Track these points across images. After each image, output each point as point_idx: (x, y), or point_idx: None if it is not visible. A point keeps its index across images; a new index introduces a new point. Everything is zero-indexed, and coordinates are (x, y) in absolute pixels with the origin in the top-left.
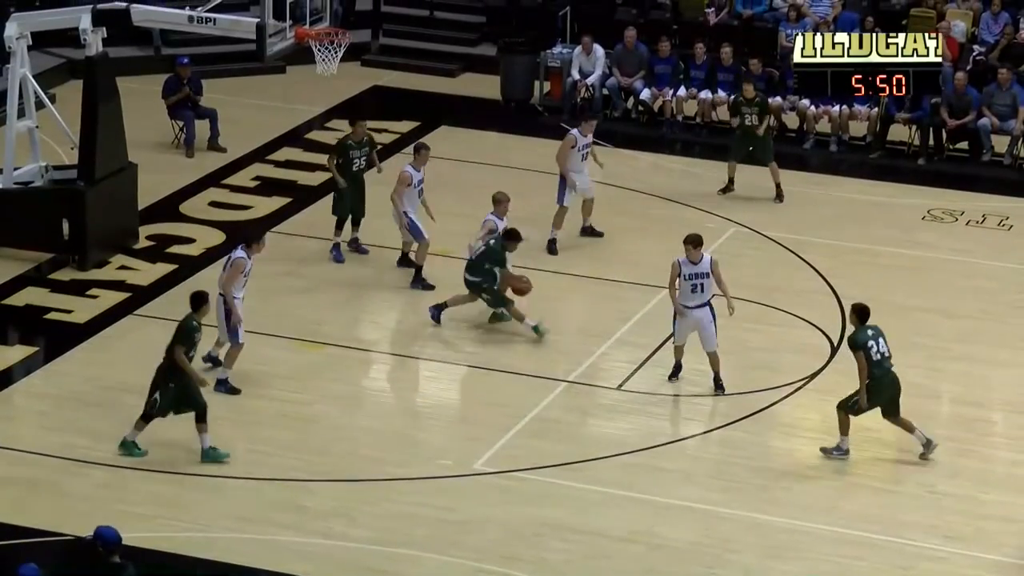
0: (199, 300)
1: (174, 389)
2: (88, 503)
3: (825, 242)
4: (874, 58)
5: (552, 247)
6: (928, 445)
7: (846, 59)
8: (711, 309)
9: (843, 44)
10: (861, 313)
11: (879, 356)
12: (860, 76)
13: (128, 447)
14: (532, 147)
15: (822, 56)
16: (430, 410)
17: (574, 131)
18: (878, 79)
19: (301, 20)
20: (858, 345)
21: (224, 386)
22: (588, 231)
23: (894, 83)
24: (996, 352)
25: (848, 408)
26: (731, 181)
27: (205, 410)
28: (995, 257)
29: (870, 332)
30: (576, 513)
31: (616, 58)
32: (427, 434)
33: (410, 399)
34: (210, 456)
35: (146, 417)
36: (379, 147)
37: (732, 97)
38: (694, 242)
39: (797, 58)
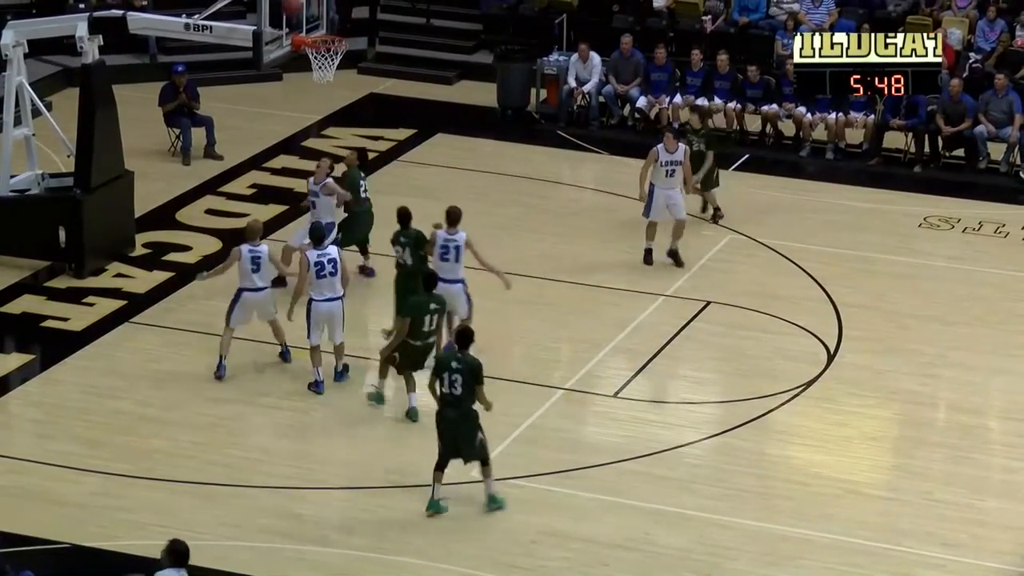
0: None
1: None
2: (82, 511)
3: (821, 249)
4: (872, 58)
5: (648, 257)
6: None
7: (845, 59)
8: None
9: (841, 44)
10: None
11: None
12: (858, 76)
13: (496, 501)
14: (528, 155)
15: (820, 56)
16: (427, 418)
17: (658, 146)
18: (876, 79)
19: (297, 28)
20: None
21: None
22: (672, 255)
23: (892, 83)
24: (993, 359)
25: None
26: (716, 209)
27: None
28: (991, 264)
29: None
30: (573, 521)
31: (612, 66)
32: (424, 442)
33: (407, 407)
34: (494, 502)
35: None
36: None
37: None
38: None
39: (796, 58)
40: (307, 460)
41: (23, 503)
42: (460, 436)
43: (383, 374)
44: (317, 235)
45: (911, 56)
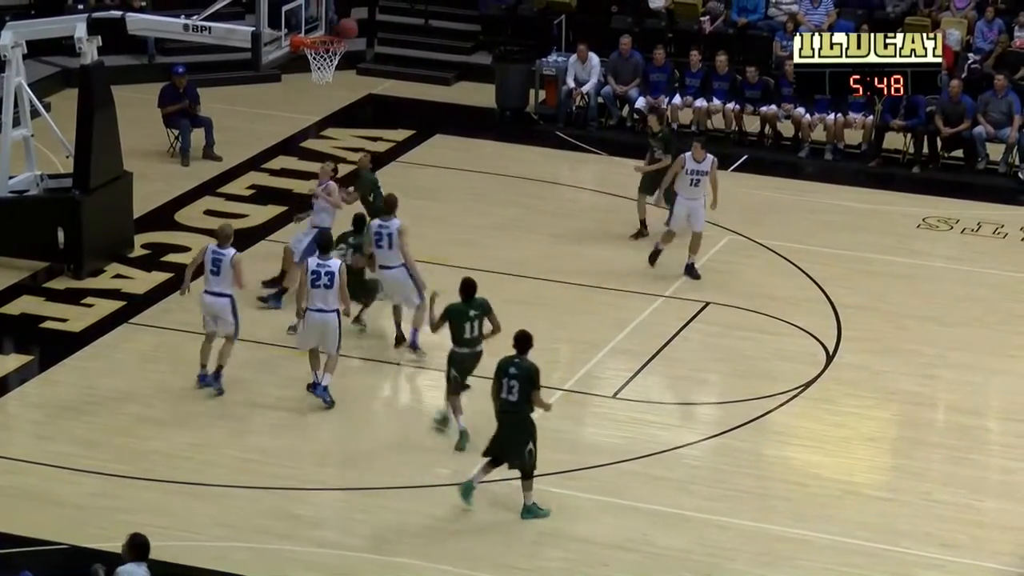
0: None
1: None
2: (81, 512)
3: (820, 250)
4: (872, 58)
5: (653, 258)
6: None
7: (844, 60)
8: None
9: (841, 45)
10: None
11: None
12: (858, 76)
13: (533, 511)
14: (527, 155)
15: (820, 57)
16: (426, 418)
17: (685, 154)
18: (876, 80)
19: (296, 29)
20: None
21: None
22: (689, 270)
23: (892, 83)
24: (991, 360)
25: None
26: (643, 223)
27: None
28: (990, 265)
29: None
30: (572, 521)
31: (611, 66)
32: (423, 442)
33: (405, 407)
34: (530, 512)
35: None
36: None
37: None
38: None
39: (795, 59)
40: (304, 461)
41: (21, 504)
42: (511, 441)
43: (449, 403)
44: (324, 243)
45: (910, 56)
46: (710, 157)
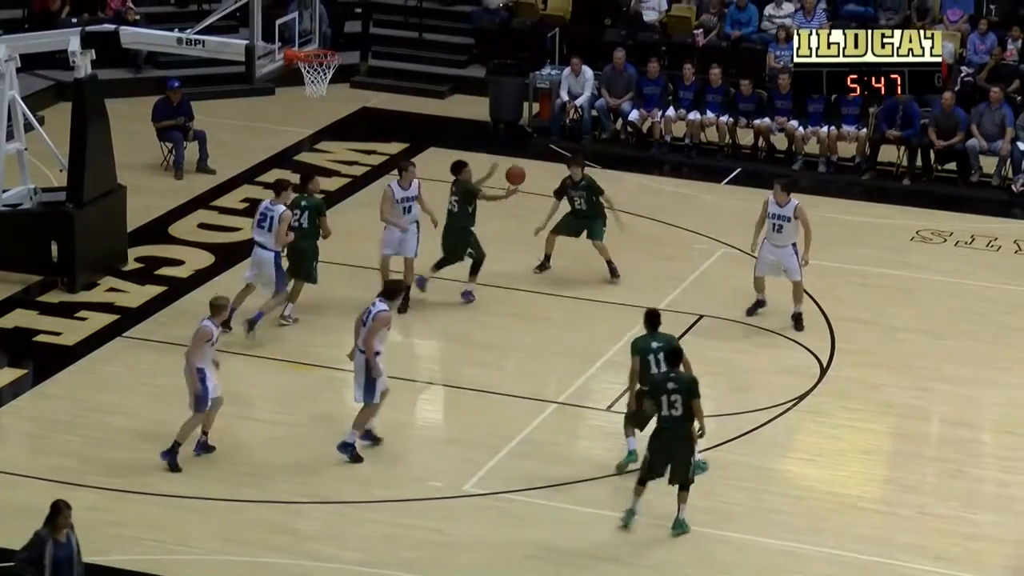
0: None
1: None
2: (76, 526)
3: (814, 263)
4: (869, 58)
5: (753, 309)
6: None
7: (841, 59)
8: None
9: (839, 44)
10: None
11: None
12: (855, 76)
13: (684, 525)
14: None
15: (817, 56)
16: (420, 431)
17: (768, 196)
18: (873, 79)
19: (290, 42)
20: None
21: (349, 450)
22: (795, 319)
23: (890, 83)
24: (985, 373)
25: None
26: (547, 258)
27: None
28: (984, 278)
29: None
30: (566, 534)
31: (605, 79)
32: (417, 456)
33: (400, 421)
34: (678, 527)
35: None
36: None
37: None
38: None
39: (793, 58)
40: (300, 474)
41: (15, 518)
42: (676, 456)
43: (629, 432)
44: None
45: (908, 56)
46: (794, 201)
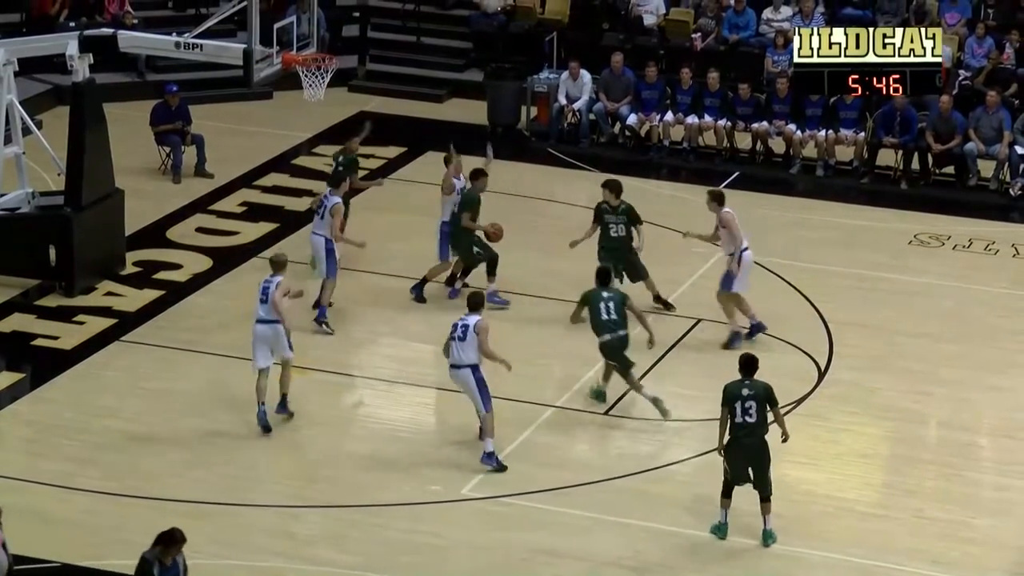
0: (750, 365)
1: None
2: (73, 530)
3: (812, 266)
4: (871, 58)
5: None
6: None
7: (843, 59)
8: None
9: (840, 44)
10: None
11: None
12: (856, 76)
13: (773, 535)
14: (519, 172)
15: (819, 56)
16: (418, 435)
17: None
18: (875, 79)
19: (288, 46)
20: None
21: (493, 460)
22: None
23: (891, 83)
24: (983, 376)
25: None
26: (657, 296)
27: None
28: (982, 281)
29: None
30: (565, 538)
31: (603, 83)
32: (415, 459)
33: (398, 424)
34: (768, 537)
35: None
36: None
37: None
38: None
39: (794, 58)
40: (298, 478)
41: (13, 522)
42: (758, 464)
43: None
44: (474, 302)
45: (909, 56)
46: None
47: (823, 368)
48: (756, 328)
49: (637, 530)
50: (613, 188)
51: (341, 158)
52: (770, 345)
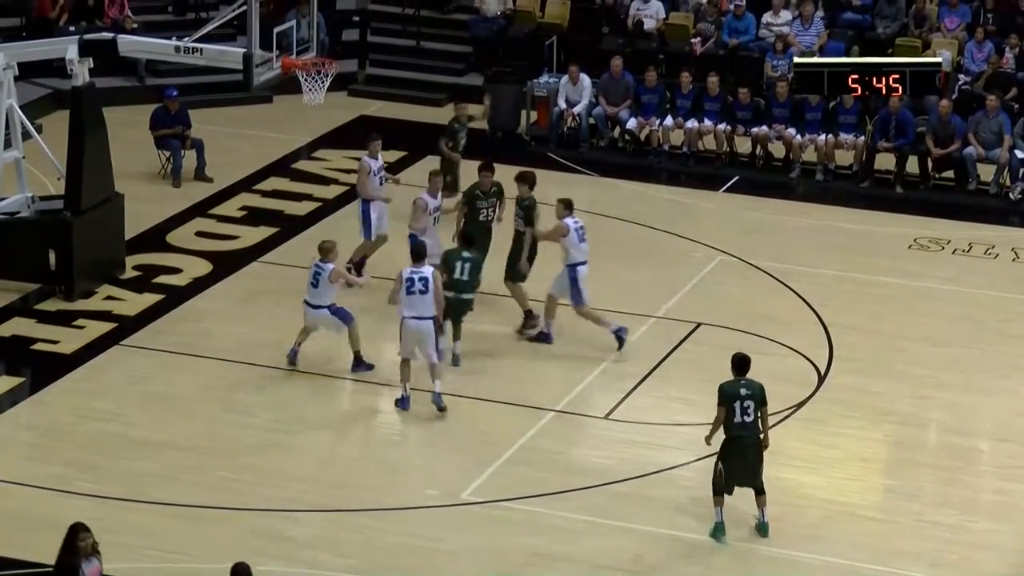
0: (745, 364)
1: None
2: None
3: (811, 271)
4: (871, 58)
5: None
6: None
7: (843, 59)
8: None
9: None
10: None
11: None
12: (856, 76)
13: (716, 529)
14: None
15: (819, 55)
16: (417, 439)
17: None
18: (875, 79)
19: (288, 50)
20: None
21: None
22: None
23: (891, 83)
24: (983, 380)
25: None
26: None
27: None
28: (982, 286)
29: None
30: (564, 542)
31: (603, 87)
32: (414, 464)
33: (397, 428)
34: (763, 530)
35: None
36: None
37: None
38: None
39: (796, 58)
40: (298, 482)
41: (13, 526)
42: (754, 463)
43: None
44: (417, 252)
45: (910, 56)
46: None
47: (823, 372)
48: (543, 337)
49: (637, 534)
50: (527, 179)
51: (457, 125)
52: (770, 349)
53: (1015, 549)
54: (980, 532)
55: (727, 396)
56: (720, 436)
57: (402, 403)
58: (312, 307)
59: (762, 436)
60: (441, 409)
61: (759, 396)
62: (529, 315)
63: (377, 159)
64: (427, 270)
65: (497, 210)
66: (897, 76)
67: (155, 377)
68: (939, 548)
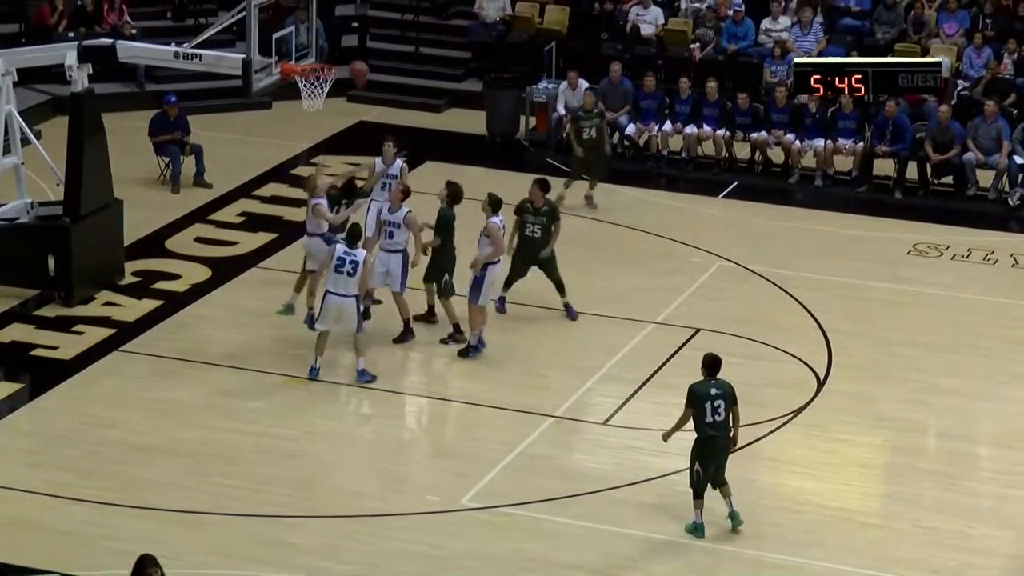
0: (716, 366)
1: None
2: (71, 539)
3: (810, 276)
4: (872, 57)
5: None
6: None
7: (843, 59)
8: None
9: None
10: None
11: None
12: (858, 76)
13: (696, 529)
14: (518, 182)
15: (820, 55)
16: (416, 445)
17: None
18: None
19: (287, 56)
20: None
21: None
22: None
23: (892, 82)
24: (982, 386)
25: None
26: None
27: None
28: (980, 291)
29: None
30: (563, 548)
31: (601, 93)
32: (413, 470)
33: (396, 434)
34: (736, 519)
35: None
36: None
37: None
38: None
39: (795, 58)
40: (297, 487)
41: (12, 532)
42: (722, 461)
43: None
44: (353, 234)
45: (910, 55)
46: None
47: (822, 378)
48: (472, 350)
49: (636, 540)
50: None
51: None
52: (769, 355)
53: (1015, 555)
54: (979, 538)
55: (698, 397)
56: (693, 437)
57: (312, 373)
58: (309, 236)
59: (733, 435)
60: (368, 382)
61: (730, 395)
62: (456, 329)
63: (389, 164)
64: (360, 253)
65: (543, 231)
66: (897, 75)
67: (154, 383)
68: (938, 554)
